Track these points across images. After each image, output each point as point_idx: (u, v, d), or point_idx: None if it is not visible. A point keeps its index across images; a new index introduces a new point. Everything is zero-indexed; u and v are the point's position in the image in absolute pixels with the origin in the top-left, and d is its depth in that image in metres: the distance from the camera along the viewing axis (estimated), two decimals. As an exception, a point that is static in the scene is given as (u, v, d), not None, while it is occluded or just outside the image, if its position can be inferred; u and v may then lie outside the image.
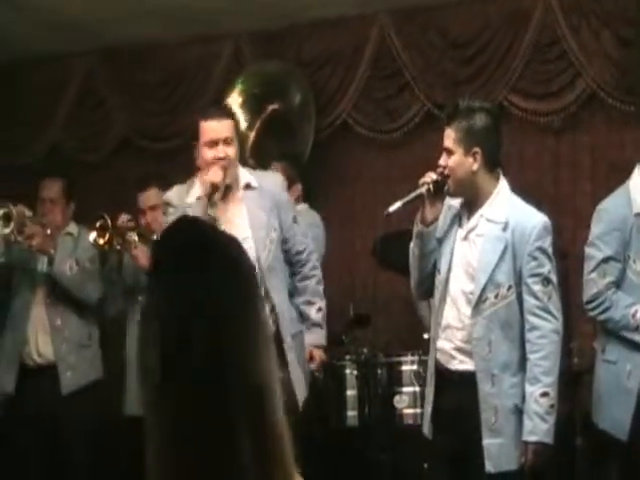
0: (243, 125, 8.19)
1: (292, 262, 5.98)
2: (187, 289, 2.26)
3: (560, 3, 7.83)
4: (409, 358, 7.07)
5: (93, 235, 6.79)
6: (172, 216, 5.59)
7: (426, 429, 5.36)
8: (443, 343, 5.25)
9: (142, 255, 6.77)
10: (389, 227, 7.41)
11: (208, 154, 5.70)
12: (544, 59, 8.01)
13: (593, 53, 7.73)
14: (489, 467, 5.03)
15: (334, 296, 7.36)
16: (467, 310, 5.16)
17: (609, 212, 5.63)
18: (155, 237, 6.76)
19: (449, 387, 5.25)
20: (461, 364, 5.20)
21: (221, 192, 5.62)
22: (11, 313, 7.18)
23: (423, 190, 5.20)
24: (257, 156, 7.48)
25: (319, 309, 6.05)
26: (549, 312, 5.08)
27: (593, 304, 5.55)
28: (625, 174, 5.81)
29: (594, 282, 5.54)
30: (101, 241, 6.78)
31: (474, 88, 8.12)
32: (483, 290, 5.10)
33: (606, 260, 5.51)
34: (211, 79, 8.77)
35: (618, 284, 5.52)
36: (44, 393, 7.05)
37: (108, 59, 9.10)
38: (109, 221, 6.78)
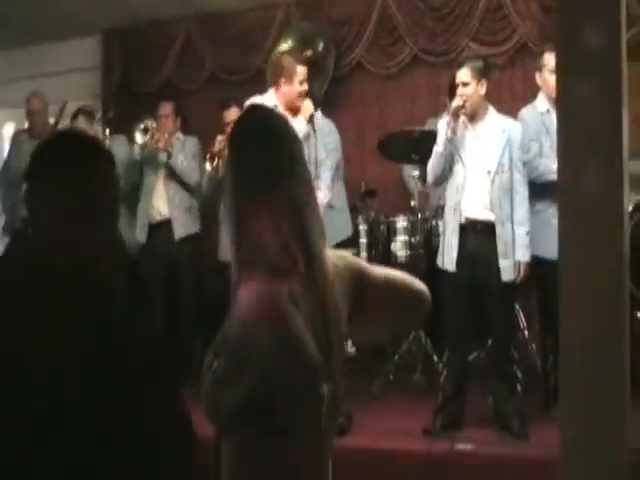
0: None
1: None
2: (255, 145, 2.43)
3: (503, -18, 7.91)
4: (401, 218, 7.21)
5: (208, 164, 7.13)
6: None
7: (451, 265, 5.66)
8: (471, 203, 5.64)
9: None
10: (388, 130, 7.65)
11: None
12: (492, 18, 8.06)
13: (525, 16, 7.86)
14: (504, 277, 5.58)
15: (351, 177, 7.63)
16: (484, 181, 5.61)
17: (522, 116, 6.01)
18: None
19: (473, 235, 5.65)
20: (485, 215, 5.62)
21: None
22: (142, 190, 7.50)
23: (462, 112, 5.65)
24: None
25: None
26: (526, 182, 5.67)
27: None
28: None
29: None
30: (212, 165, 7.09)
31: (445, 38, 8.20)
32: (496, 168, 5.58)
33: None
34: (270, 32, 8.83)
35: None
36: (163, 239, 7.37)
37: (201, 21, 9.18)
38: (215, 152, 7.06)
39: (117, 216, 2.19)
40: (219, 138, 7.08)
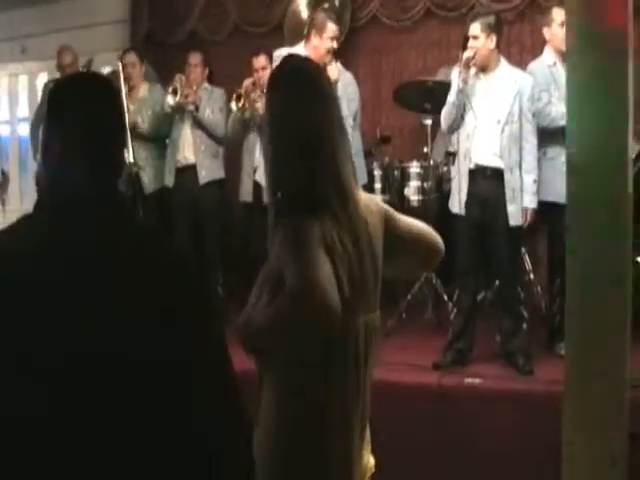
0: (305, 15, 8.33)
1: None
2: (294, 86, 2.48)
3: None
4: (414, 164, 7.17)
5: (233, 103, 7.10)
6: None
7: (460, 208, 5.67)
8: (481, 150, 5.62)
9: (259, 105, 6.85)
10: (402, 80, 7.60)
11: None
12: None
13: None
14: (512, 222, 5.57)
15: (367, 124, 7.59)
16: (494, 130, 5.57)
17: (531, 69, 5.99)
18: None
19: (482, 180, 5.63)
20: (494, 162, 5.59)
21: None
22: (171, 137, 7.51)
23: (472, 64, 5.60)
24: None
25: None
26: (535, 132, 5.64)
27: None
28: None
29: None
30: (238, 105, 7.06)
31: None
32: (506, 117, 5.55)
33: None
34: None
35: None
36: (189, 183, 7.38)
37: None
38: (240, 91, 7.04)
39: (123, 154, 2.11)
40: (247, 81, 7.08)
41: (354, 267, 2.39)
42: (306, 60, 2.72)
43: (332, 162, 2.41)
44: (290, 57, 2.70)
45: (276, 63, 6.01)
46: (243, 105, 7.06)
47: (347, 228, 2.39)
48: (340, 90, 6.19)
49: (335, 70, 6.26)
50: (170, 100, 7.28)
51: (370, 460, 2.63)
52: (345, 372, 2.42)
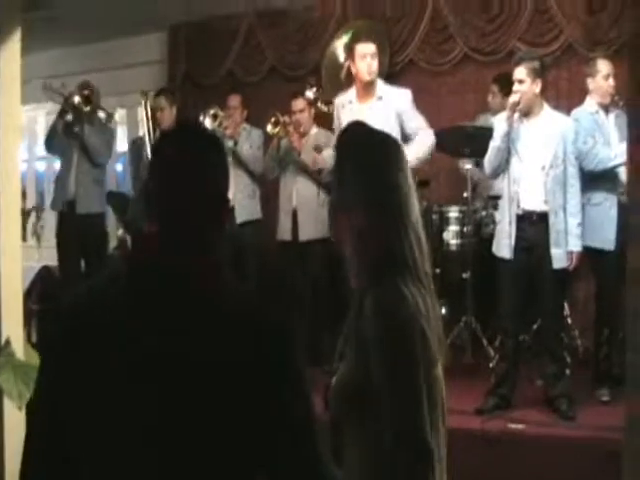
0: (342, 58, 8.36)
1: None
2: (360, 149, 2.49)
3: (551, -16, 7.88)
4: (453, 208, 7.25)
5: (270, 127, 7.17)
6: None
7: (507, 253, 5.61)
8: (527, 194, 5.63)
9: (295, 139, 7.04)
10: (440, 124, 7.61)
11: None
12: (540, 20, 8.02)
13: (571, 18, 7.80)
14: (556, 265, 5.57)
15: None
16: (539, 174, 5.61)
17: (575, 116, 6.03)
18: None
19: (529, 224, 5.64)
20: (540, 206, 5.61)
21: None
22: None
23: (518, 107, 5.64)
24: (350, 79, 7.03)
25: None
26: (578, 175, 5.66)
27: None
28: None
29: None
30: (275, 130, 7.11)
31: (494, 38, 8.18)
32: (551, 161, 5.59)
33: None
34: (327, 29, 8.84)
35: None
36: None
37: (262, 16, 9.18)
38: (279, 118, 7.09)
39: (226, 211, 2.06)
40: (287, 118, 7.20)
41: (437, 323, 2.43)
42: (372, 130, 2.64)
43: (415, 226, 2.44)
44: (357, 124, 2.67)
45: (338, 110, 6.20)
46: (278, 144, 7.13)
47: (426, 287, 2.43)
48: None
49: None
50: (208, 123, 7.23)
51: None
52: (436, 418, 2.51)
